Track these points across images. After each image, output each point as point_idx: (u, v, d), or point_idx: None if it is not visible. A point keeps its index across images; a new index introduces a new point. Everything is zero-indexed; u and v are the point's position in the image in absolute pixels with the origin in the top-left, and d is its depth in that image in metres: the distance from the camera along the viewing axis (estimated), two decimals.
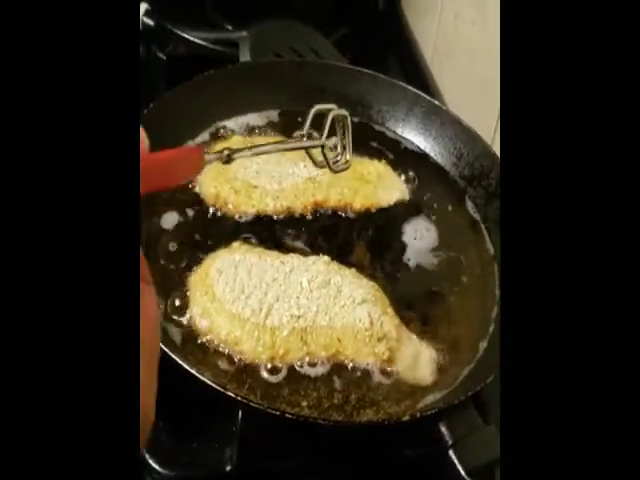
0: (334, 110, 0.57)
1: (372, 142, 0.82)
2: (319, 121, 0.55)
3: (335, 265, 0.66)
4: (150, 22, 0.94)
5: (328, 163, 0.57)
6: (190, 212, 0.70)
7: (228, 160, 0.44)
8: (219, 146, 0.77)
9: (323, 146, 0.55)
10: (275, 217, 0.71)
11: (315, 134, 0.54)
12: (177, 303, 0.62)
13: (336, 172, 0.59)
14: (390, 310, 0.64)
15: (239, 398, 0.52)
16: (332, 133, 0.57)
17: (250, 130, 0.80)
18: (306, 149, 0.54)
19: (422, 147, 0.83)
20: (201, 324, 0.60)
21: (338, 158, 0.59)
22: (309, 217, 0.72)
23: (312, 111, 0.54)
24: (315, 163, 0.57)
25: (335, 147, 0.58)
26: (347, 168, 0.60)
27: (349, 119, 0.59)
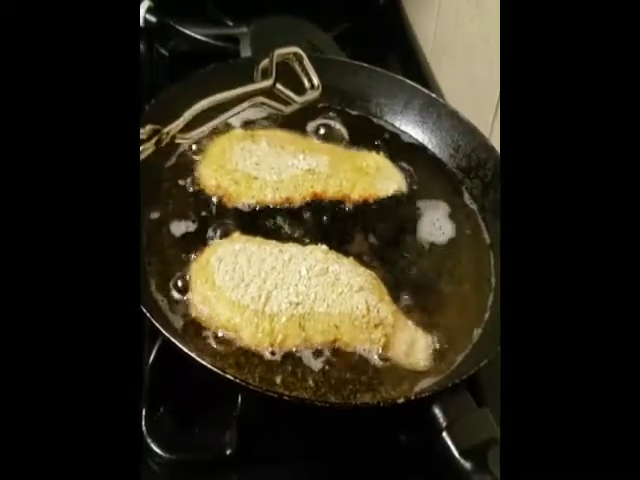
0: (277, 50, 0.57)
1: (370, 134, 0.83)
2: None
3: (333, 254, 0.67)
4: (152, 19, 0.95)
5: (291, 98, 0.57)
6: (191, 203, 0.71)
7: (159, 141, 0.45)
8: (220, 139, 0.78)
9: (274, 85, 0.55)
10: (274, 208, 0.73)
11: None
12: (178, 291, 0.63)
13: (304, 103, 0.58)
14: (387, 297, 0.65)
15: (238, 380, 0.53)
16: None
17: (251, 124, 0.81)
18: (254, 93, 0.54)
19: (420, 139, 0.84)
20: (202, 311, 0.62)
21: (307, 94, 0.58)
22: (308, 208, 0.74)
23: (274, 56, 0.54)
24: (277, 108, 0.57)
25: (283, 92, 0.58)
26: (318, 95, 0.59)
27: (299, 51, 0.59)
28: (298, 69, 0.58)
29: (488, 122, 0.87)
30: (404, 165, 0.80)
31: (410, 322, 0.65)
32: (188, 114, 0.49)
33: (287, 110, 0.59)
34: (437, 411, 0.55)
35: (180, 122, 0.48)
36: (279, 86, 0.55)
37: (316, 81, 0.59)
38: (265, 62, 0.55)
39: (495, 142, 0.79)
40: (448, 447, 0.53)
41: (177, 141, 0.49)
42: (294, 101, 0.57)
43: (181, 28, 0.96)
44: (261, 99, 0.55)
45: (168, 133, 0.48)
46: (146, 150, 0.46)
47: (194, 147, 0.77)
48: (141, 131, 0.46)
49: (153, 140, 0.46)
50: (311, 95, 0.59)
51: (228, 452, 0.59)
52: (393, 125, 0.85)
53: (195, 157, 0.76)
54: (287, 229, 0.71)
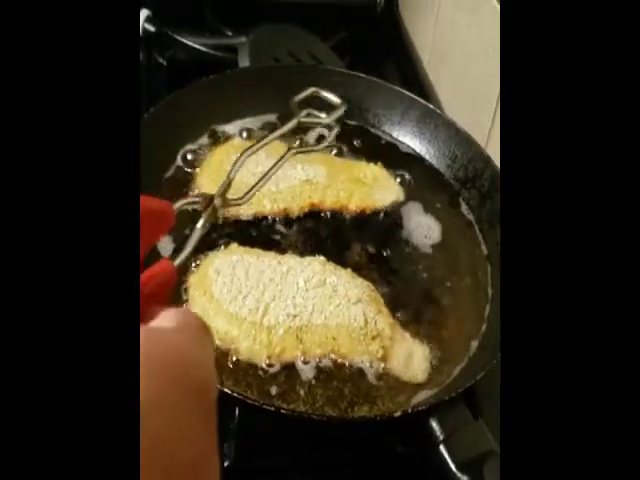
0: (294, 98, 0.59)
1: (368, 145, 0.83)
2: None
3: (331, 265, 0.68)
4: (151, 28, 0.96)
5: (320, 117, 0.59)
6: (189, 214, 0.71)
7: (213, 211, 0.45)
8: (219, 149, 0.78)
9: (299, 121, 0.57)
10: (272, 218, 0.73)
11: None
12: (176, 303, 0.63)
13: (333, 120, 0.59)
14: (384, 309, 0.66)
15: (235, 394, 0.54)
16: None
17: (249, 133, 0.82)
18: (284, 135, 0.56)
19: (417, 150, 0.84)
20: None
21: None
22: (305, 219, 0.74)
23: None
24: (313, 150, 0.59)
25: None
26: (345, 109, 0.61)
27: (314, 89, 0.60)
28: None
29: (485, 132, 0.87)
30: (401, 175, 0.80)
31: (407, 334, 0.65)
32: (232, 174, 0.49)
33: (321, 147, 0.61)
34: (434, 424, 0.55)
35: (225, 184, 0.48)
36: (304, 119, 0.57)
37: (338, 100, 0.60)
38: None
39: (492, 152, 0.79)
40: (445, 460, 0.53)
41: (230, 208, 0.50)
42: (323, 120, 0.59)
43: (179, 37, 0.96)
44: (295, 150, 0.56)
45: (220, 199, 0.48)
46: (207, 222, 0.46)
47: (189, 157, 0.77)
48: (197, 199, 0.46)
49: (210, 209, 0.46)
50: (338, 111, 0.60)
51: (226, 464, 0.59)
52: (391, 135, 0.85)
53: (194, 168, 0.76)
54: (285, 240, 0.72)
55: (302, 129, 0.61)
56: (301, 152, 0.58)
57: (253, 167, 0.75)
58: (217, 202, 0.47)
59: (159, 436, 0.26)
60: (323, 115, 0.60)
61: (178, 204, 0.42)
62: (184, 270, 0.66)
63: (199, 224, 0.45)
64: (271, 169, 0.54)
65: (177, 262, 0.40)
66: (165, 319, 0.34)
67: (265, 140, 0.52)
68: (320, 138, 0.61)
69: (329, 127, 0.61)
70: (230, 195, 0.52)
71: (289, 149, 0.56)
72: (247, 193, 0.51)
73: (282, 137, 0.77)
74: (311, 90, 0.61)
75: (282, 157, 0.55)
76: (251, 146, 0.51)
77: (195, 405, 0.29)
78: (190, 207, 0.44)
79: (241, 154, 0.50)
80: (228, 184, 0.48)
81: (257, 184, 0.52)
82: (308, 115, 0.58)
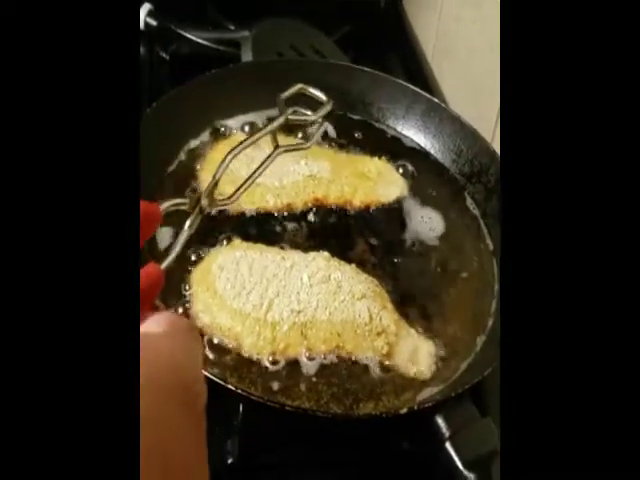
0: (281, 95, 0.59)
1: (372, 139, 0.83)
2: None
3: (335, 261, 0.67)
4: (153, 22, 0.95)
5: (307, 115, 0.59)
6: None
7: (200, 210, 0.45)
8: (221, 144, 0.78)
9: (287, 118, 0.57)
10: (276, 214, 0.72)
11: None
12: (179, 300, 0.63)
13: (320, 117, 0.60)
14: (389, 305, 0.65)
15: (239, 391, 0.53)
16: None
17: (252, 129, 0.81)
18: (273, 132, 0.56)
19: (422, 144, 0.83)
20: (203, 320, 0.61)
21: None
22: (309, 214, 0.73)
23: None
24: (300, 148, 0.59)
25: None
26: (330, 107, 0.62)
27: (302, 86, 0.61)
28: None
29: (491, 126, 0.86)
30: (406, 170, 0.80)
31: (412, 330, 0.64)
32: (218, 174, 0.49)
33: (309, 144, 0.60)
34: (440, 421, 0.54)
35: (212, 184, 0.48)
36: (291, 116, 0.57)
37: (325, 97, 0.60)
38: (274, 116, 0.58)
39: (497, 147, 0.78)
40: (451, 458, 0.53)
41: (219, 207, 0.50)
42: (309, 118, 0.59)
43: (182, 32, 0.96)
44: (283, 149, 0.56)
45: (208, 199, 0.47)
46: (195, 223, 0.45)
47: (192, 152, 0.76)
48: (184, 200, 0.45)
49: (197, 210, 0.46)
50: (325, 108, 0.60)
51: (229, 461, 0.58)
52: (395, 130, 0.85)
53: (196, 163, 0.76)
54: (289, 235, 0.71)
55: (289, 126, 0.62)
56: (289, 150, 0.58)
57: (257, 163, 0.75)
58: (204, 202, 0.46)
59: (152, 439, 0.26)
60: (310, 112, 0.60)
61: (165, 205, 0.42)
62: (186, 266, 0.65)
63: (186, 225, 0.45)
64: (259, 168, 0.54)
65: (164, 265, 0.40)
66: (153, 324, 0.33)
67: (252, 139, 0.52)
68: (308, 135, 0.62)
69: (317, 124, 0.61)
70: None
71: (276, 147, 0.56)
72: (235, 192, 0.51)
73: (283, 129, 0.77)
74: (298, 87, 0.61)
75: (269, 156, 0.55)
76: (237, 146, 0.50)
77: (185, 410, 0.29)
78: (177, 208, 0.44)
79: (227, 154, 0.49)
80: (215, 184, 0.48)
81: (245, 183, 0.52)
82: (295, 112, 0.58)
